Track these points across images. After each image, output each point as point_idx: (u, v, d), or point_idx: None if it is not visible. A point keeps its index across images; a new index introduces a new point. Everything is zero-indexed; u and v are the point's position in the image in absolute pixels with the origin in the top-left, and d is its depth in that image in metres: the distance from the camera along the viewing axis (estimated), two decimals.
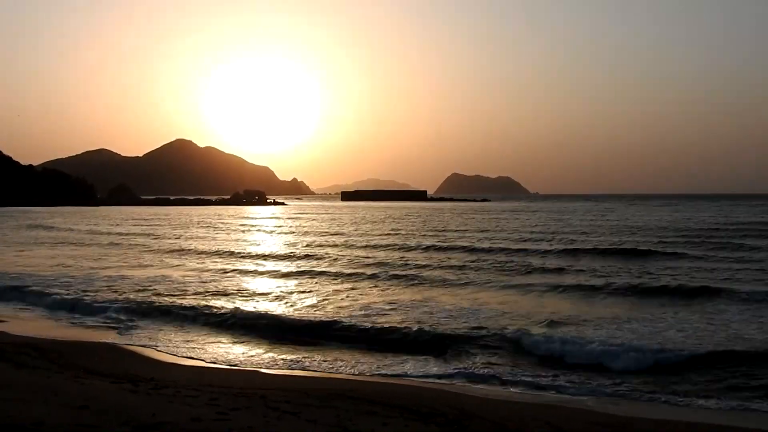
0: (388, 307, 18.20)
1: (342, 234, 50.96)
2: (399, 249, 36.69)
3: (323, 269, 27.46)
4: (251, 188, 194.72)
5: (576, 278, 23.74)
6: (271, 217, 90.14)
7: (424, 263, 29.30)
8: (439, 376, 11.87)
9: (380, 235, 49.03)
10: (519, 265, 27.83)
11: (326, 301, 19.59)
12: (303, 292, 21.70)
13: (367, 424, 8.17)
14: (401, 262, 30.20)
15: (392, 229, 55.60)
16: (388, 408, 9.09)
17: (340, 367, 12.67)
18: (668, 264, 28.03)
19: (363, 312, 17.52)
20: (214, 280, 24.45)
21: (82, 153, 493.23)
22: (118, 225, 66.28)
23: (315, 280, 24.57)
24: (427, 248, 36.60)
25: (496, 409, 9.41)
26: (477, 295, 20.64)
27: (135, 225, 66.67)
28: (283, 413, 8.51)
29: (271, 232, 57.61)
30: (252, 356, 13.72)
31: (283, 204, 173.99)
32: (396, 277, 24.63)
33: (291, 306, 19.02)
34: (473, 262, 29.52)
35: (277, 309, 18.50)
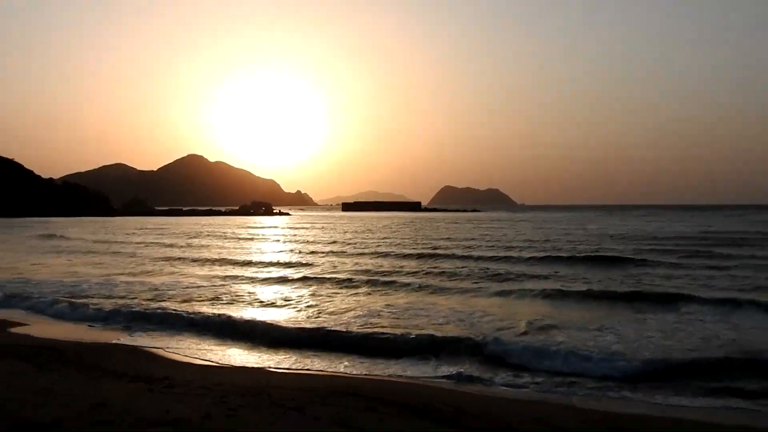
0: (386, 312, 18.15)
1: (342, 242, 50.92)
2: (395, 257, 36.67)
3: (324, 276, 27.30)
4: (258, 200, 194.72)
5: (559, 284, 23.69)
6: (278, 227, 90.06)
7: (418, 270, 29.24)
8: (434, 377, 11.82)
9: (378, 243, 48.98)
10: (506, 272, 27.85)
11: (327, 307, 19.52)
12: (306, 297, 21.63)
13: (367, 421, 8.13)
14: (398, 269, 30.14)
15: (389, 238, 55.60)
16: (386, 405, 9.05)
17: (342, 367, 12.62)
18: (646, 271, 28.04)
19: (363, 316, 17.47)
20: (224, 286, 24.39)
21: (100, 167, 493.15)
22: (133, 234, 66.15)
23: (317, 286, 24.47)
24: (422, 256, 36.57)
25: (487, 406, 9.38)
26: (468, 300, 20.60)
27: (149, 234, 66.55)
28: (288, 410, 8.47)
29: (277, 240, 57.56)
30: (258, 358, 13.66)
31: (288, 214, 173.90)
32: (392, 283, 24.58)
33: (294, 312, 18.95)
34: (464, 268, 29.50)
35: (282, 315, 18.45)
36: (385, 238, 56.46)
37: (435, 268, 29.99)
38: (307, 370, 12.43)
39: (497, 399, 10.18)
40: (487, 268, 29.11)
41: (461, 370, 12.05)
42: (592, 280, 24.96)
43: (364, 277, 26.08)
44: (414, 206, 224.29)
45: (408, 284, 24.09)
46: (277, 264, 33.75)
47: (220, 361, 13.13)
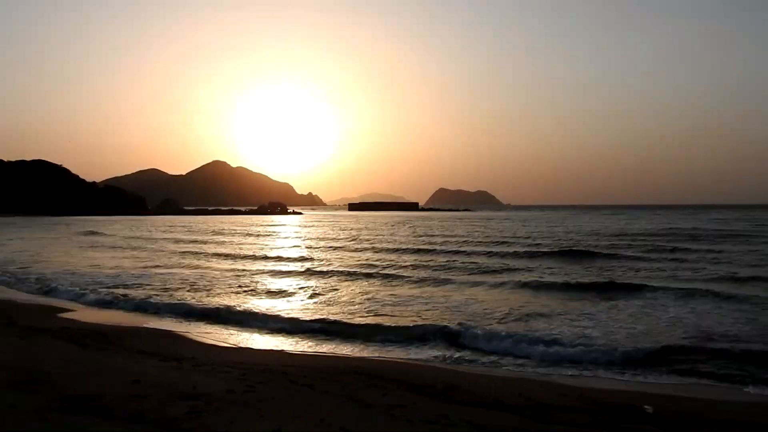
0: (388, 300, 18.16)
1: (348, 238, 50.88)
2: (395, 252, 36.61)
3: (334, 269, 27.17)
4: (274, 201, 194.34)
5: (541, 276, 23.63)
6: (293, 225, 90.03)
7: (415, 264, 29.10)
8: (428, 359, 11.79)
9: (380, 240, 48.96)
10: (494, 265, 27.84)
11: (338, 297, 19.53)
12: (318, 289, 21.62)
13: (370, 395, 8.13)
14: (397, 262, 30.11)
15: (389, 235, 55.57)
16: (387, 382, 9.04)
17: (348, 351, 12.59)
18: (619, 263, 27.90)
19: (368, 304, 17.48)
20: (244, 278, 24.41)
21: (137, 172, 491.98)
22: (165, 231, 66.18)
23: (328, 278, 24.45)
24: (419, 251, 36.48)
25: (477, 383, 9.36)
26: (462, 290, 20.54)
27: (179, 232, 66.56)
28: (300, 386, 8.47)
29: (292, 237, 57.54)
30: (274, 342, 13.66)
31: (300, 213, 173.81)
32: (393, 276, 24.57)
33: (308, 302, 18.95)
34: (455, 262, 29.44)
35: (296, 305, 18.46)
36: (385, 234, 56.45)
37: (431, 261, 29.95)
38: (317, 352, 12.43)
39: (486, 377, 10.17)
40: (478, 263, 29.01)
41: (451, 353, 12.03)
42: (570, 271, 24.92)
43: (369, 270, 26.02)
44: (412, 206, 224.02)
45: (407, 276, 24.04)
46: (292, 259, 33.71)
47: (240, 344, 13.14)
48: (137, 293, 19.53)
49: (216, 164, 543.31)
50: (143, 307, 17.58)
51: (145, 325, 14.94)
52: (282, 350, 12.53)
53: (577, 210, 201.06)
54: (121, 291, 19.96)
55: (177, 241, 49.19)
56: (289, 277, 24.98)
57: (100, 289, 20.27)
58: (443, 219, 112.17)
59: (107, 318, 15.95)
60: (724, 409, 8.29)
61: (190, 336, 13.79)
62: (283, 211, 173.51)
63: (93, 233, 59.66)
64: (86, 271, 25.84)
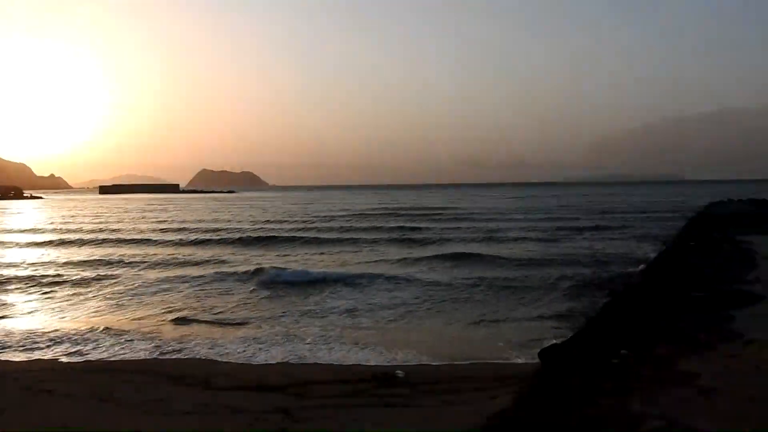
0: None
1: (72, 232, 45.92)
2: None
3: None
4: (5, 184, 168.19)
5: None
6: (25, 213, 78.98)
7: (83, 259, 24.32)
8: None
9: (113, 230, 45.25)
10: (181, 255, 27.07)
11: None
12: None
13: (124, 392, 7.59)
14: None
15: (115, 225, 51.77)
16: (142, 376, 8.44)
17: None
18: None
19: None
20: None
21: None
22: None
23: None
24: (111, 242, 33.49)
25: (240, 369, 9.22)
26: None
27: None
28: (37, 392, 7.55)
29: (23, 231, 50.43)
30: None
31: (40, 198, 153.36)
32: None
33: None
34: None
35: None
36: (141, 221, 52.48)
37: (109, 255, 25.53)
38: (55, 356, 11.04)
39: (249, 365, 9.76)
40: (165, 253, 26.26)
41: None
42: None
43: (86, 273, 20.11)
44: (172, 188, 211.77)
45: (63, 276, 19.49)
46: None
47: None
48: None
49: None
50: None
51: None
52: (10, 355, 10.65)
53: (340, 190, 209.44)
54: None
55: None
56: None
57: None
58: (185, 201, 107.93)
59: None
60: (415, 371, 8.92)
61: None
62: (18, 196, 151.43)
63: None
64: None
